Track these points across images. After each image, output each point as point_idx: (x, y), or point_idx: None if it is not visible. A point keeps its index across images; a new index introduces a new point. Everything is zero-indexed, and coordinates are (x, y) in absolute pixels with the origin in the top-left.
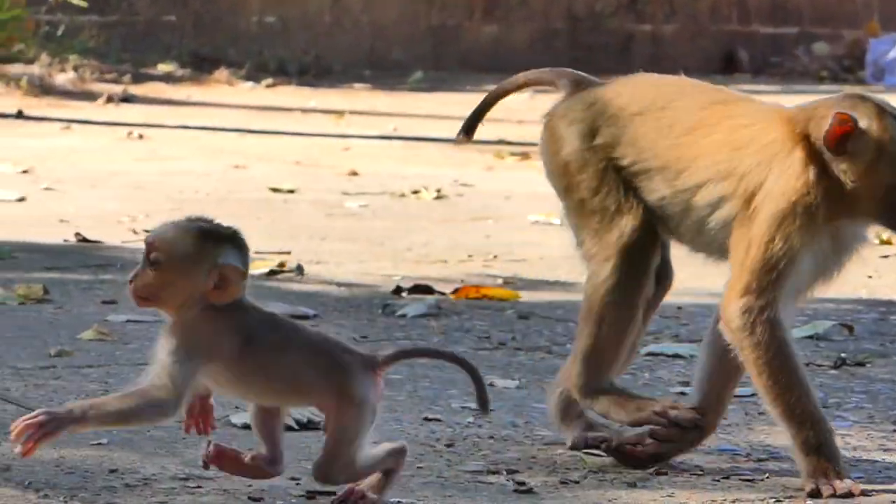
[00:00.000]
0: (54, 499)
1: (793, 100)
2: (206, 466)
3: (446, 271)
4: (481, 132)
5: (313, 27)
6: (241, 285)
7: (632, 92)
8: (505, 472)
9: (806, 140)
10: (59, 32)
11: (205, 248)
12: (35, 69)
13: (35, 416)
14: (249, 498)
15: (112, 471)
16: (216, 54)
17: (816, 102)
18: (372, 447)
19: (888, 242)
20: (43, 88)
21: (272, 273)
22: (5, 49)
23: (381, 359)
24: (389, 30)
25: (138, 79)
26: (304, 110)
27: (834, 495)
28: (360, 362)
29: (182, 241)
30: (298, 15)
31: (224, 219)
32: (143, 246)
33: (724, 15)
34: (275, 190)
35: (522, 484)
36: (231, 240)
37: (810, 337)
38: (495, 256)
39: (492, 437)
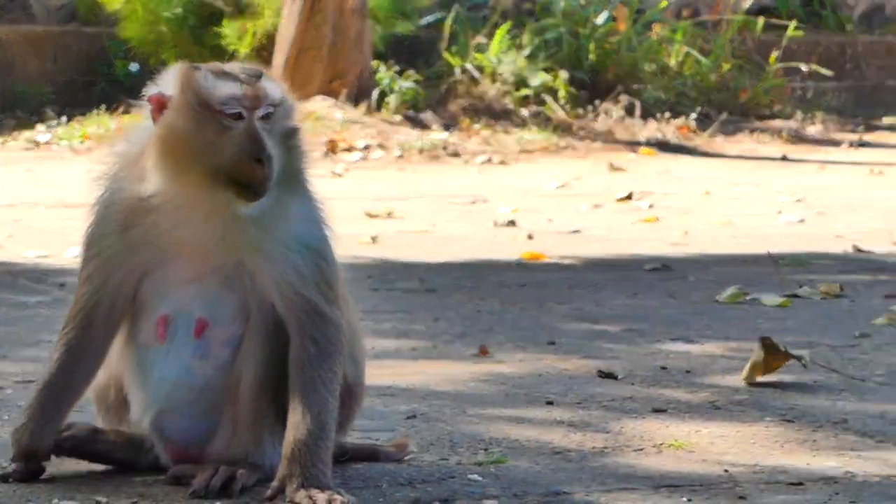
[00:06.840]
0: None
1: None
2: None
3: None
4: None
5: None
6: None
7: None
8: None
9: None
10: (809, 95)
11: None
12: (791, 123)
13: None
14: None
15: None
16: None
17: None
18: None
19: None
20: (798, 138)
21: None
22: (769, 109)
23: None
24: None
25: (869, 129)
26: None
27: None
28: None
29: None
30: None
31: None
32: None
33: None
34: None
35: None
36: None
37: None
38: None
39: None
